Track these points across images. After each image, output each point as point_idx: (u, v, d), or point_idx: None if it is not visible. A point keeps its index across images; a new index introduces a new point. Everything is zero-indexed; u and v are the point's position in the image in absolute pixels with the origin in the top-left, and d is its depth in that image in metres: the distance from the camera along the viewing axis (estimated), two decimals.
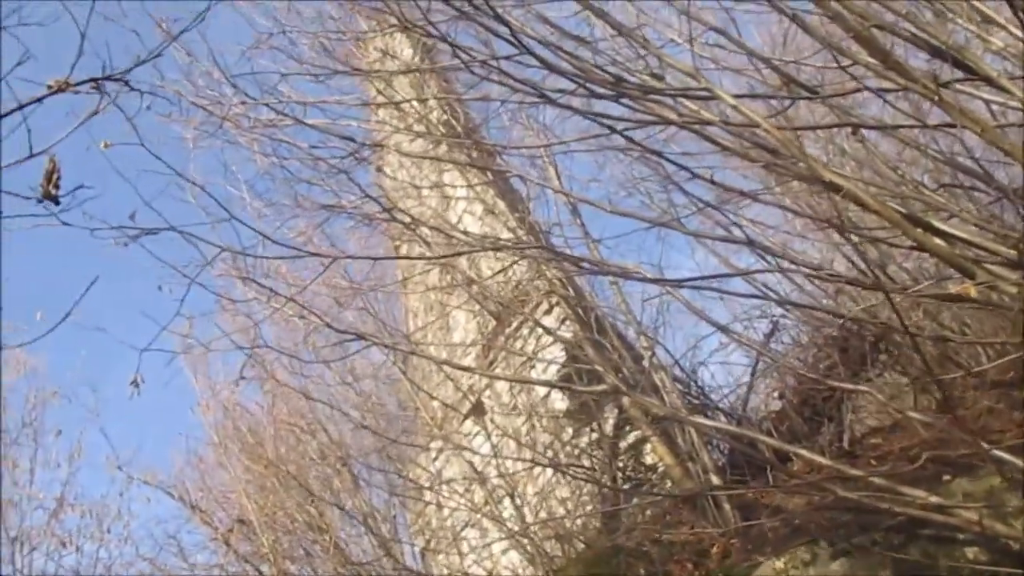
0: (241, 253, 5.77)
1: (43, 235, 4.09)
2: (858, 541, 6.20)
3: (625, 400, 8.38)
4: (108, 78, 3.51)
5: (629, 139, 5.43)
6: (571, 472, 8.59)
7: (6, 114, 3.59)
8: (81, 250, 6.40)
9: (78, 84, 3.44)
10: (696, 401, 8.40)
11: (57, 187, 3.45)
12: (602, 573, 7.59)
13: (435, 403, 12.92)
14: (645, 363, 8.27)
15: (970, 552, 5.99)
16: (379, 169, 10.94)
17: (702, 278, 6.61)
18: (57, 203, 3.48)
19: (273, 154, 7.51)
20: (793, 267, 5.79)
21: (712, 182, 5.33)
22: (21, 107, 3.36)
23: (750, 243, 6.00)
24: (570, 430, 10.57)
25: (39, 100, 3.38)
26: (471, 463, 10.16)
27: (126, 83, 3.60)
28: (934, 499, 5.77)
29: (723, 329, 7.66)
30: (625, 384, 7.11)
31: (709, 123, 5.30)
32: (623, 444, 8.91)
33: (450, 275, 12.99)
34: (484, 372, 9.53)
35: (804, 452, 6.22)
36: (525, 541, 8.85)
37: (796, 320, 8.42)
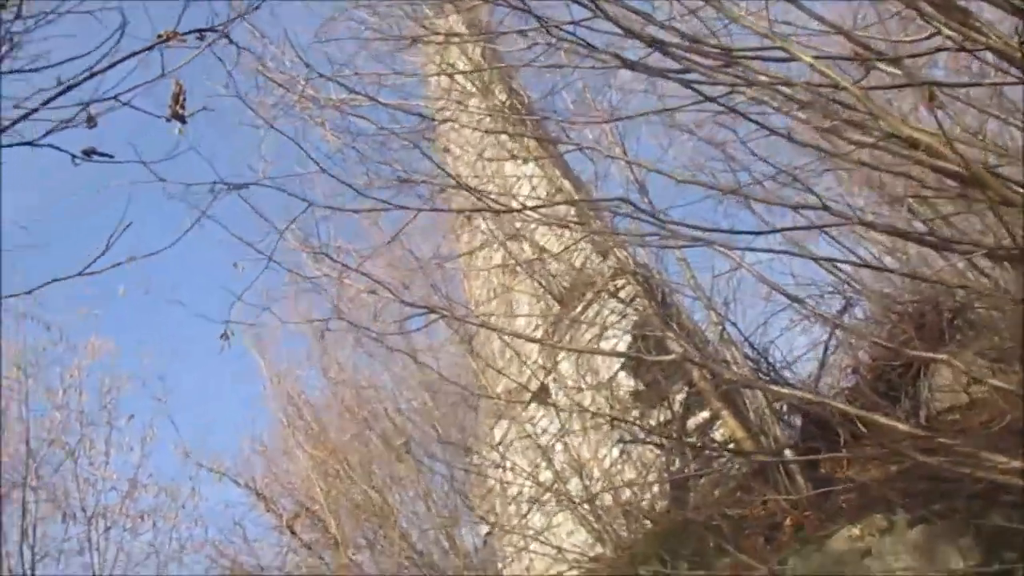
0: (330, 208, 5.89)
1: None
2: (937, 509, 6.13)
3: (695, 374, 8.36)
4: (211, 29, 3.67)
5: (711, 99, 5.42)
6: (643, 438, 8.60)
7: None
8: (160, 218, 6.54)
9: (185, 34, 3.60)
10: (767, 377, 8.34)
11: (183, 107, 3.62)
12: (672, 548, 7.57)
13: (499, 387, 13.00)
14: (714, 337, 8.25)
15: None
16: (445, 150, 11.06)
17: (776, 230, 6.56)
18: (184, 122, 3.65)
19: (346, 131, 7.63)
20: (873, 222, 5.72)
21: (789, 139, 5.30)
22: (134, 54, 3.52)
23: (825, 207, 5.96)
24: (637, 412, 10.56)
25: (151, 48, 3.54)
26: (537, 443, 10.20)
27: (226, 36, 3.76)
28: (1016, 464, 5.68)
29: (796, 300, 7.58)
30: (695, 354, 7.10)
31: (790, 84, 5.29)
32: (692, 422, 8.88)
33: (513, 258, 13.08)
34: (553, 343, 9.56)
35: (882, 419, 6.13)
36: (592, 518, 8.87)
37: (870, 296, 8.31)
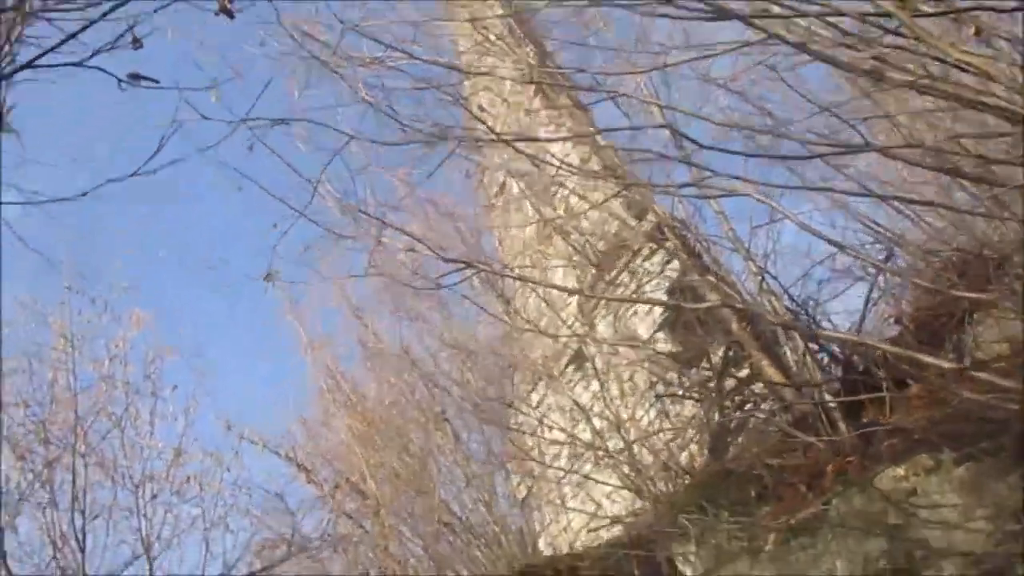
0: (371, 140, 5.90)
1: None
2: (984, 447, 6.06)
3: (734, 326, 8.31)
4: None
5: (751, 42, 5.36)
6: (682, 394, 8.57)
7: None
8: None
9: None
10: (807, 324, 8.26)
11: (231, 1, 3.65)
12: (712, 498, 7.54)
13: (536, 352, 13.02)
14: (753, 288, 8.19)
15: None
16: (480, 108, 11.05)
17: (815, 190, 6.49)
18: (232, 16, 3.68)
19: (380, 87, 7.62)
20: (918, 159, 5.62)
21: (835, 63, 5.20)
22: None
23: (867, 144, 5.88)
24: (674, 374, 10.53)
25: None
26: (576, 402, 10.21)
27: None
28: None
29: (838, 245, 7.47)
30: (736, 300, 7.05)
31: (840, 13, 5.19)
32: (730, 381, 8.83)
33: (546, 220, 13.06)
34: (591, 295, 9.54)
35: (928, 358, 6.05)
36: (632, 474, 8.86)
37: (910, 248, 8.20)
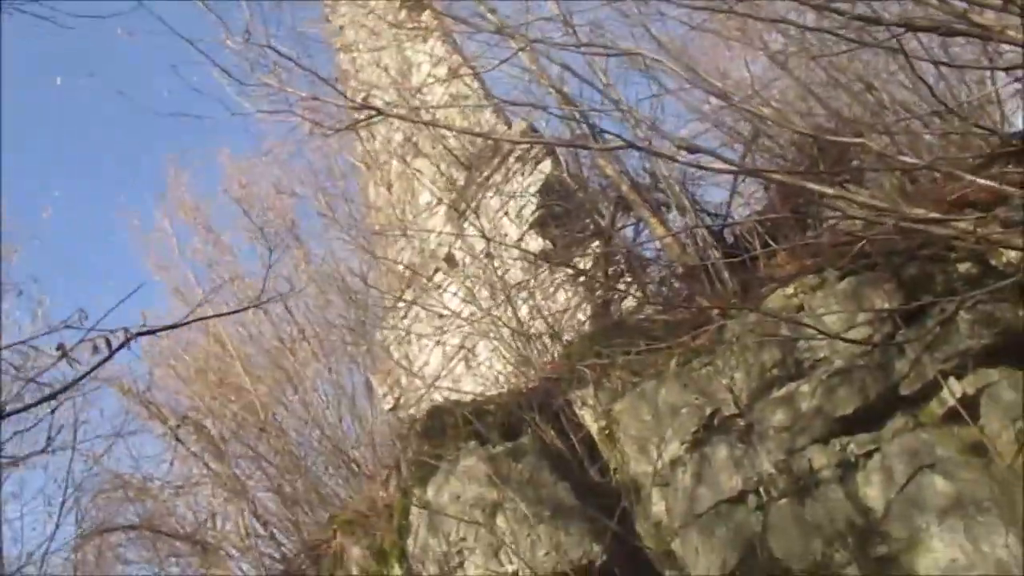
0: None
1: None
2: (863, 263, 6.70)
3: (623, 187, 8.70)
4: None
5: None
6: (567, 265, 8.89)
7: None
8: None
9: None
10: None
11: None
12: (605, 347, 7.86)
13: (400, 265, 13.04)
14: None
15: (962, 268, 6.56)
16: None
17: None
18: None
19: None
20: None
21: None
22: None
23: None
24: (545, 271, 10.85)
25: None
26: (464, 282, 10.34)
27: None
28: (933, 214, 6.28)
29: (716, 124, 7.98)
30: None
31: None
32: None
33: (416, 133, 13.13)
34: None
35: (814, 185, 6.58)
36: (521, 345, 9.11)
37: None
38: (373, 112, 7.54)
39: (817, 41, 9.37)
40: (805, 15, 9.14)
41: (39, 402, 4.46)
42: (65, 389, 4.66)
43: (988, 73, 9.18)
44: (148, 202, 20.92)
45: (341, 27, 14.13)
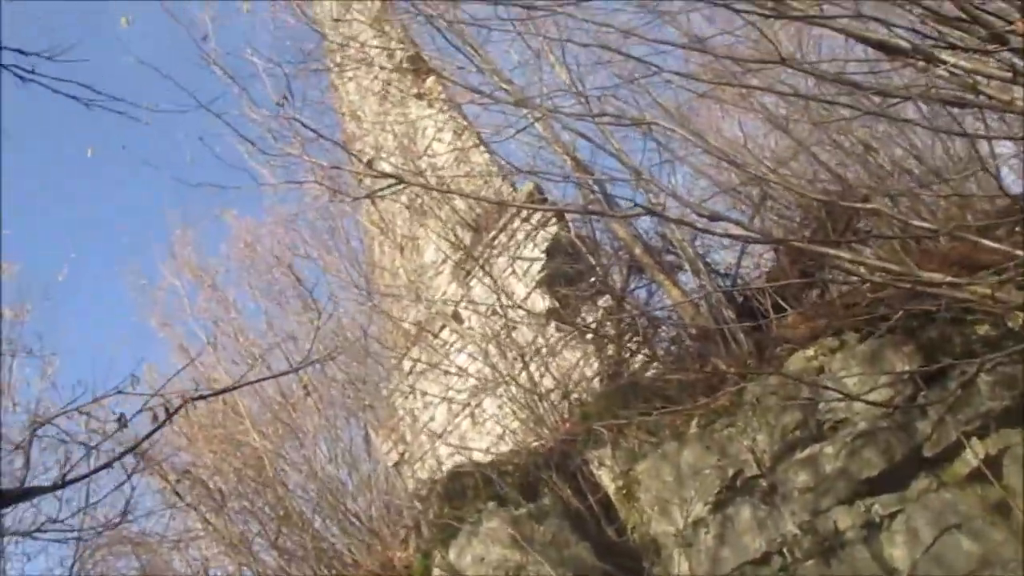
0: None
1: None
2: (880, 326, 6.85)
3: (637, 250, 8.84)
4: None
5: None
6: (580, 327, 8.99)
7: None
8: None
9: None
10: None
11: None
12: (622, 408, 7.94)
13: (408, 321, 13.11)
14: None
15: (980, 330, 6.73)
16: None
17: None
18: None
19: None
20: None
21: None
22: None
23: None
24: (553, 328, 10.96)
25: None
26: (474, 340, 10.41)
27: None
28: (950, 278, 6.45)
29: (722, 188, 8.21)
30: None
31: None
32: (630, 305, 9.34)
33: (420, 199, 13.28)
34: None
35: (830, 250, 6.74)
36: (532, 403, 9.16)
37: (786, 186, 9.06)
38: (393, 180, 7.70)
39: (817, 105, 9.71)
40: (807, 79, 9.53)
41: (100, 468, 4.48)
42: (124, 454, 4.70)
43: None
44: (151, 258, 21.02)
45: (347, 93, 14.38)
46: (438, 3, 9.48)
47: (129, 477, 6.44)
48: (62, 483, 4.22)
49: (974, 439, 6.23)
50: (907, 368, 6.61)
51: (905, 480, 6.39)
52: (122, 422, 4.23)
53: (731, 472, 6.98)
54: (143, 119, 5.55)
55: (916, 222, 7.18)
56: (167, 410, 4.25)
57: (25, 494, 4.25)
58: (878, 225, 8.74)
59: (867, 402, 6.49)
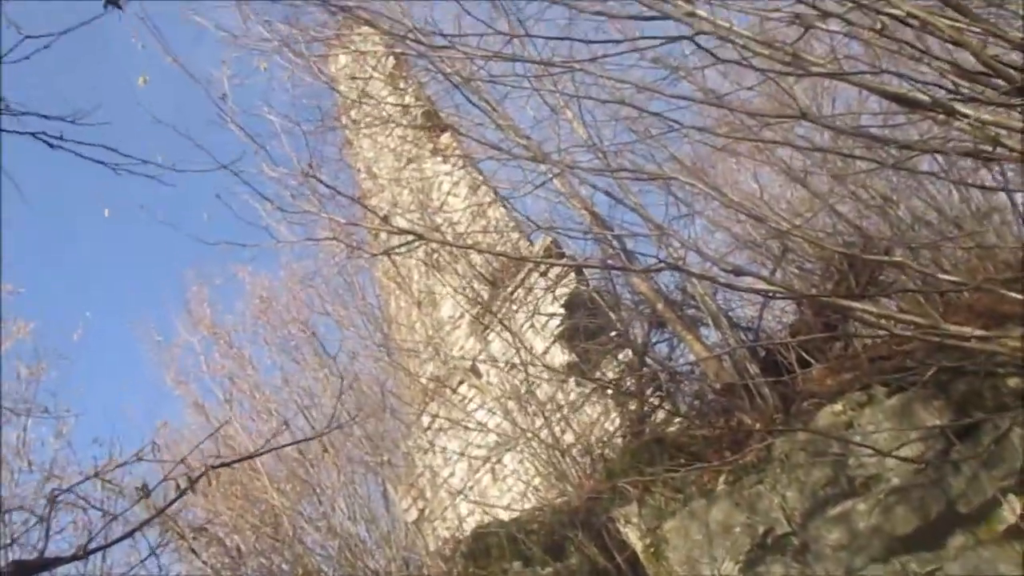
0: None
1: None
2: (911, 380, 6.77)
3: (659, 305, 8.82)
4: None
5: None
6: (601, 382, 8.94)
7: None
8: None
9: None
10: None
11: None
12: (647, 464, 7.87)
13: (425, 375, 13.08)
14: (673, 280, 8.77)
15: (1011, 382, 6.64)
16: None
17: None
18: (119, 7, 3.93)
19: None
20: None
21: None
22: None
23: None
24: (572, 382, 10.91)
25: None
26: (495, 395, 10.36)
27: None
28: (978, 331, 6.39)
29: (750, 244, 8.20)
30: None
31: None
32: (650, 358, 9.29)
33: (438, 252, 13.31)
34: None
35: (854, 303, 6.72)
36: (555, 458, 9.09)
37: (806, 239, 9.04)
38: (411, 236, 7.73)
39: (834, 158, 9.74)
40: (822, 132, 9.57)
41: (122, 538, 4.46)
42: (146, 523, 4.67)
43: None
44: (167, 315, 21.20)
45: (363, 149, 14.51)
46: (454, 60, 9.62)
47: (153, 552, 6.39)
48: (84, 553, 4.17)
49: (1010, 495, 6.11)
50: (938, 423, 6.51)
51: (940, 537, 6.26)
52: (145, 492, 4.20)
53: (761, 530, 6.87)
54: (169, 181, 5.58)
55: (940, 275, 7.16)
56: (189, 478, 4.22)
57: (46, 565, 4.20)
58: (901, 278, 8.70)
59: (899, 458, 6.39)
